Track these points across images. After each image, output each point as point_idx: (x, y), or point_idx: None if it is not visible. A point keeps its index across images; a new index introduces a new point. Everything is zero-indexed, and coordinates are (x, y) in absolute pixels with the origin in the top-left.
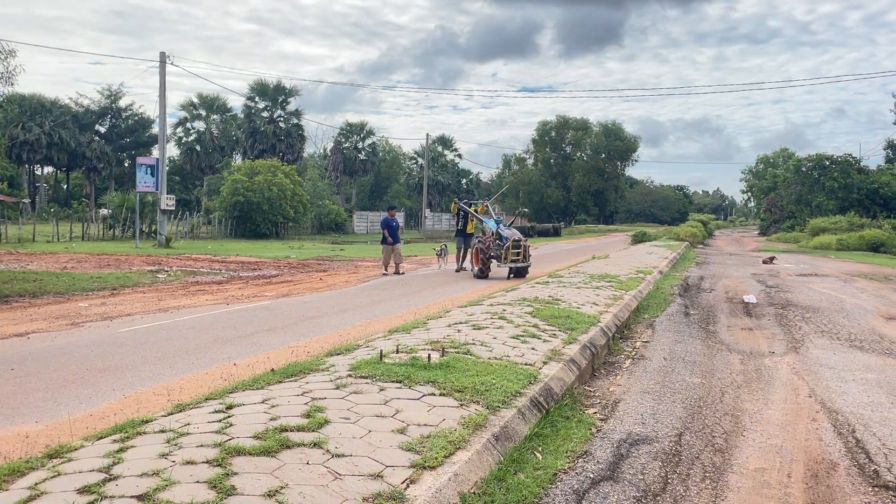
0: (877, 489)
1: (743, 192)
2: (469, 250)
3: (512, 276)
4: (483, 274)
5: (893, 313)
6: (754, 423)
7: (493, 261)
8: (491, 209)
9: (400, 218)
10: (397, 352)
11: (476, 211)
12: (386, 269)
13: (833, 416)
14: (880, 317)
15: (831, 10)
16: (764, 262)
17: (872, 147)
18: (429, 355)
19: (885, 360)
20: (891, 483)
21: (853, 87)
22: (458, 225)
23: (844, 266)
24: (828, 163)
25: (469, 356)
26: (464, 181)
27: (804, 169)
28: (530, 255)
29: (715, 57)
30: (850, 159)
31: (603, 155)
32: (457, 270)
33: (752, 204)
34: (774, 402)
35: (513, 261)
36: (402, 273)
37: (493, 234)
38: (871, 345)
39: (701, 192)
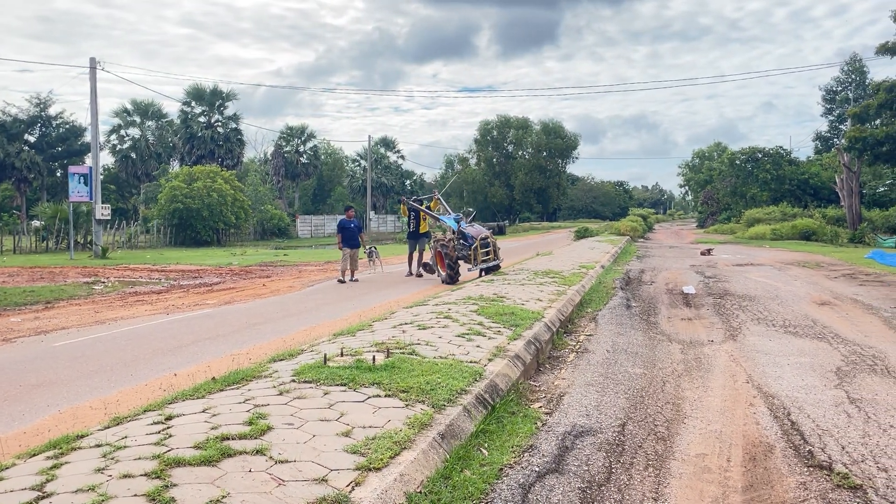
0: (811, 469)
1: (681, 185)
2: (423, 252)
3: (483, 273)
4: (453, 279)
5: (825, 299)
6: (695, 410)
7: (462, 263)
8: (445, 204)
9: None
10: (342, 355)
11: (429, 208)
12: (342, 276)
13: (769, 400)
14: (813, 303)
15: (759, 6)
16: (702, 253)
17: (802, 139)
18: (373, 357)
19: (818, 345)
20: (824, 462)
21: (782, 82)
22: (409, 226)
23: (779, 255)
24: (760, 155)
25: (414, 356)
26: (408, 182)
27: (738, 162)
28: (500, 253)
29: (649, 54)
30: (782, 151)
31: (544, 153)
32: (407, 275)
33: (690, 197)
34: (713, 389)
35: (483, 260)
36: (356, 280)
37: (454, 234)
38: (804, 330)
39: (640, 188)
